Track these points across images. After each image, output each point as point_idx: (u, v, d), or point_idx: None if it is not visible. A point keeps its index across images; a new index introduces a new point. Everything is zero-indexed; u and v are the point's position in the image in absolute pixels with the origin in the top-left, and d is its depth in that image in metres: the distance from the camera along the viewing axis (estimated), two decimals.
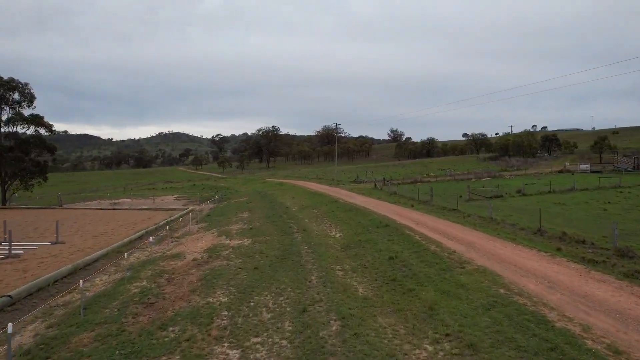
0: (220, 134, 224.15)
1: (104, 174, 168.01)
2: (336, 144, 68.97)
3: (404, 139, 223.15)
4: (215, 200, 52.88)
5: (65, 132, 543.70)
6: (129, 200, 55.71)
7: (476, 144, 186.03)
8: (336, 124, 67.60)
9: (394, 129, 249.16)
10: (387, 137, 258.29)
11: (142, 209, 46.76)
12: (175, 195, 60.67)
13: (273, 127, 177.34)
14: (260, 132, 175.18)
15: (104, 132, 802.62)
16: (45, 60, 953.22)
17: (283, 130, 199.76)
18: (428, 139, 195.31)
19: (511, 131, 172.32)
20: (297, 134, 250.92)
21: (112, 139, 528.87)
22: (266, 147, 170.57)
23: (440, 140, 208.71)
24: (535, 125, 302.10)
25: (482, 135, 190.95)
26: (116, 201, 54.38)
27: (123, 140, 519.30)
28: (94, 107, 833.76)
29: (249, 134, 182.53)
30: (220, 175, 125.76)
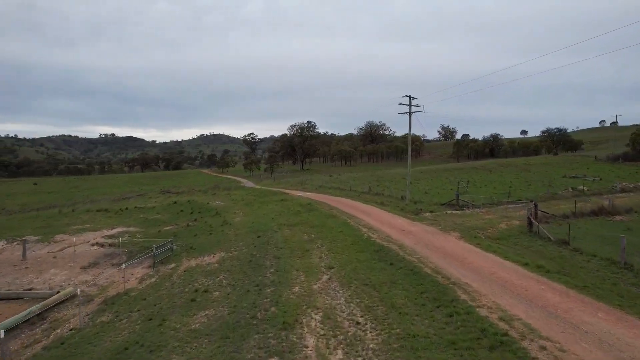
0: (252, 133, 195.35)
1: (121, 177, 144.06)
2: (409, 130, 36.75)
3: (459, 136, 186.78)
4: (161, 254, 22.49)
5: (113, 134, 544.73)
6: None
7: (553, 142, 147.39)
8: (409, 96, 35.59)
9: (445, 125, 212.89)
10: (437, 135, 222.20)
11: None
12: (110, 232, 31.16)
13: (308, 122, 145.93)
14: (294, 128, 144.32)
15: (151, 134, 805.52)
16: (98, 68, 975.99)
17: (321, 130, 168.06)
18: (492, 135, 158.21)
19: (616, 122, 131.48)
20: (337, 133, 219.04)
21: (155, 140, 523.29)
22: (300, 147, 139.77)
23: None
24: (604, 121, 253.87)
25: (560, 130, 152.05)
26: None
27: (166, 142, 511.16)
28: (141, 111, 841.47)
29: (288, 134, 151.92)
30: (240, 179, 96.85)
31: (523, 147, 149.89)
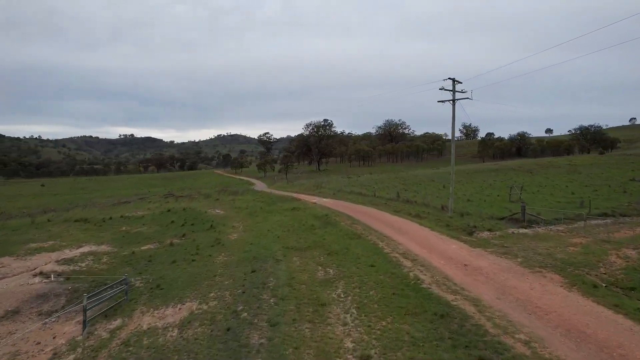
0: (267, 133, 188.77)
1: (132, 178, 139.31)
2: (453, 122, 28.70)
3: (484, 135, 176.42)
4: (108, 301, 15.18)
5: (132, 135, 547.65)
6: None
7: (587, 140, 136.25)
8: (453, 80, 27.58)
9: (467, 124, 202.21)
10: (458, 134, 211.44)
11: None
12: (72, 252, 24.24)
13: (325, 120, 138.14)
14: (310, 127, 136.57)
15: (169, 135, 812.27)
16: (119, 70, 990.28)
17: (338, 129, 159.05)
18: (518, 134, 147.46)
19: None
20: (354, 133, 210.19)
21: (173, 141, 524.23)
22: (316, 146, 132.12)
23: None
24: (634, 118, 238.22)
25: (590, 127, 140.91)
26: None
27: (183, 143, 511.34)
28: (160, 112, 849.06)
29: (304, 134, 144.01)
30: (252, 181, 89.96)
31: (552, 146, 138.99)
